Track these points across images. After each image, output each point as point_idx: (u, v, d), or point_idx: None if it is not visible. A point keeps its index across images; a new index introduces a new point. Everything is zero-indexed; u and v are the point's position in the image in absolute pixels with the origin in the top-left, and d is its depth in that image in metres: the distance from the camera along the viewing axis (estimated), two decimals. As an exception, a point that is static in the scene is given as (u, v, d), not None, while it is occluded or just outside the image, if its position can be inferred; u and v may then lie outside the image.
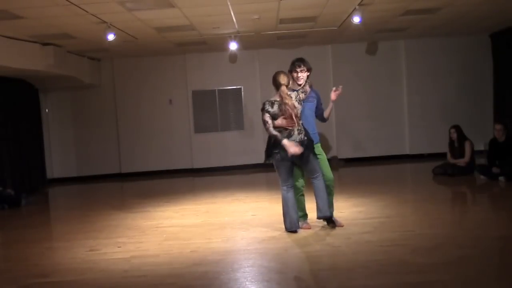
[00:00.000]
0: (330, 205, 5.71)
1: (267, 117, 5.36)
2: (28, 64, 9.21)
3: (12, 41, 8.69)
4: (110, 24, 8.01)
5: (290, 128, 5.33)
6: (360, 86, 12.42)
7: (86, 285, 4.37)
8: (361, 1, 7.68)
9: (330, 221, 5.71)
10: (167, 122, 12.67)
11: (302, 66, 5.55)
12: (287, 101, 5.29)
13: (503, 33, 11.30)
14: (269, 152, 5.47)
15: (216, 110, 12.59)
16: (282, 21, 8.96)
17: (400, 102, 12.55)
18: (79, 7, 6.92)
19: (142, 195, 9.57)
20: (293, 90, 5.48)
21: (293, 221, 5.57)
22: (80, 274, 4.67)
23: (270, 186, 9.56)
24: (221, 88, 12.58)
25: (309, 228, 5.71)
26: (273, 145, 5.38)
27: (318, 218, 5.64)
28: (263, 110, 5.39)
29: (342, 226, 5.71)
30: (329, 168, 5.73)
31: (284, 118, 5.32)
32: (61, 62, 9.88)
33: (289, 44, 11.83)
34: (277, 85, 5.42)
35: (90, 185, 11.82)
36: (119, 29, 8.44)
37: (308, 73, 5.63)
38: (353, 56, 12.41)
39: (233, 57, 12.13)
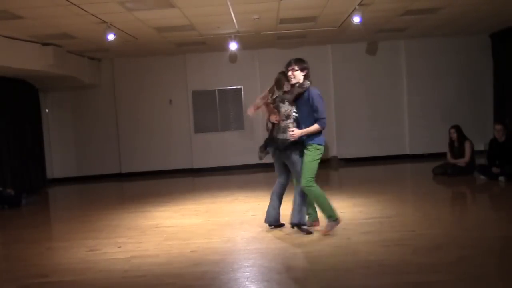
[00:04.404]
0: (299, 212, 5.58)
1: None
2: (28, 64, 9.21)
3: (12, 41, 8.70)
4: (110, 24, 8.02)
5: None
6: (360, 86, 12.43)
7: (86, 285, 4.37)
8: (361, 1, 7.68)
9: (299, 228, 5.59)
10: (167, 122, 12.67)
11: (292, 65, 5.54)
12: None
13: (503, 33, 11.30)
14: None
15: (216, 110, 12.59)
16: (282, 21, 8.96)
17: (400, 102, 12.55)
18: (79, 7, 6.93)
19: (142, 195, 9.57)
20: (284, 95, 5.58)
21: (270, 215, 5.87)
22: (80, 274, 4.66)
23: (270, 186, 9.47)
24: (221, 88, 12.59)
25: (318, 226, 5.76)
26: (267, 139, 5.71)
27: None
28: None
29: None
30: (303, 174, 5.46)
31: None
32: (61, 62, 9.87)
33: (289, 44, 11.82)
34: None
35: (90, 185, 11.82)
36: (119, 29, 8.44)
37: (303, 73, 5.57)
38: (353, 56, 12.41)
39: (233, 57, 12.12)
